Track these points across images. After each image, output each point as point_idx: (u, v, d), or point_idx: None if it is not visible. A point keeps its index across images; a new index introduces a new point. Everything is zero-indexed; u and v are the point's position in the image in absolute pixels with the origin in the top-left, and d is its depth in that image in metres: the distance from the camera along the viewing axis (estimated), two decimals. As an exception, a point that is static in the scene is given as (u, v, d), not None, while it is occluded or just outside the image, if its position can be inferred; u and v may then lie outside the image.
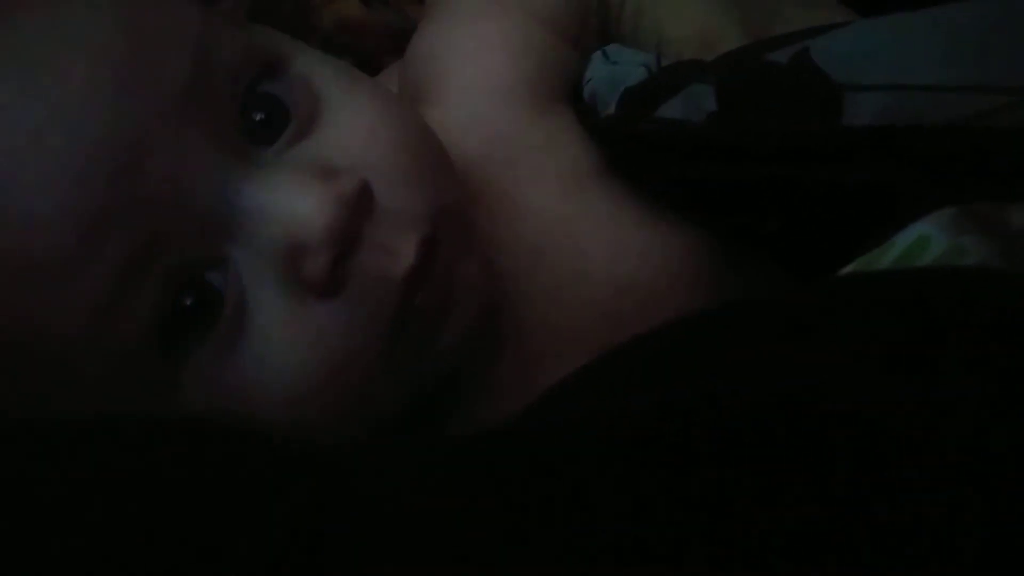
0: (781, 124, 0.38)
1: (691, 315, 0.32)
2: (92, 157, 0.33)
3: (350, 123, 0.37)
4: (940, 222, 0.35)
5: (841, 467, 0.23)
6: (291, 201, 0.34)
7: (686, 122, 0.40)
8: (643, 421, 0.26)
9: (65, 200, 0.32)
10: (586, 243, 0.43)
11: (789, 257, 0.42)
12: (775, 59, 0.39)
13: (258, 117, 0.36)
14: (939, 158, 0.37)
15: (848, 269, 0.37)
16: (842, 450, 0.24)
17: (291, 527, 0.25)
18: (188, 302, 0.34)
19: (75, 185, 0.32)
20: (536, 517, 0.24)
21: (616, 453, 0.25)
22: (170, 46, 0.35)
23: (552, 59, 0.46)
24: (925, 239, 0.35)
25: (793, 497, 0.23)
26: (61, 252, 0.32)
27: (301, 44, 0.40)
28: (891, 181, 0.37)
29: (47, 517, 0.25)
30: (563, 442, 0.26)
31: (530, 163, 0.44)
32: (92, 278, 0.33)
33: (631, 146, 0.43)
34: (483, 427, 0.29)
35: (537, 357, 0.42)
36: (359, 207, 0.35)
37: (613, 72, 0.45)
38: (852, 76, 0.37)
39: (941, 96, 0.36)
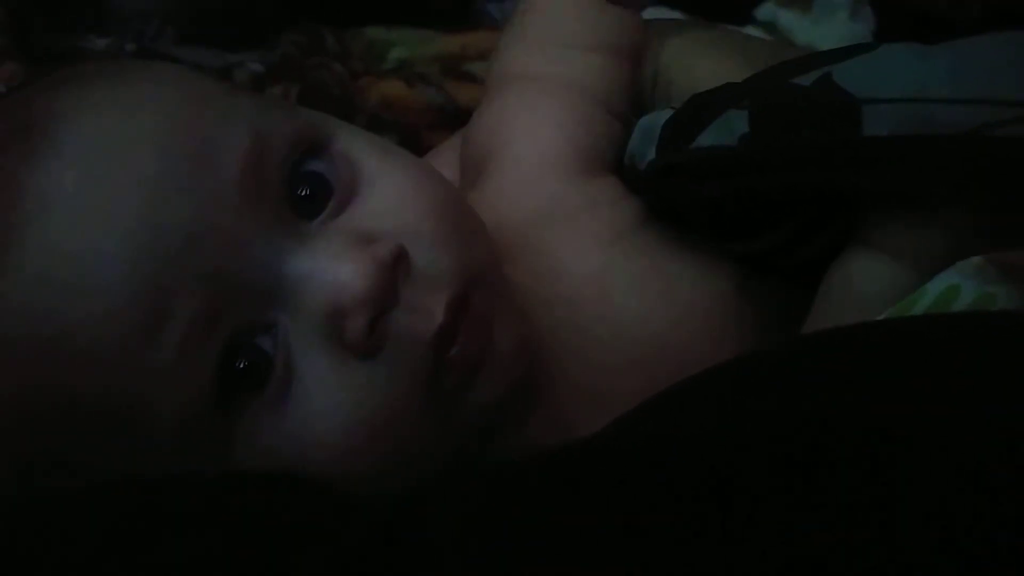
0: (805, 137, 0.40)
1: (754, 355, 0.34)
2: (161, 236, 0.35)
3: (387, 192, 0.40)
4: (968, 271, 0.36)
5: None
6: (332, 267, 0.37)
7: (721, 147, 0.42)
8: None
9: (137, 276, 0.35)
10: (618, 298, 0.44)
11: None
12: (800, 82, 0.41)
13: (303, 193, 0.39)
14: (955, 167, 0.38)
15: (884, 315, 0.38)
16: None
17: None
18: (241, 365, 0.37)
19: (147, 262, 0.35)
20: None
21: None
22: (229, 133, 0.37)
23: (602, 133, 0.49)
24: (955, 288, 0.36)
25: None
26: (133, 324, 0.35)
27: (343, 123, 0.43)
28: (910, 190, 0.39)
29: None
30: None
31: (569, 224, 0.46)
32: (160, 345, 0.35)
33: (670, 181, 0.44)
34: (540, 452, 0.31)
35: (570, 410, 0.43)
36: (395, 270, 0.37)
37: (643, 125, 0.47)
38: (870, 91, 0.39)
39: (953, 108, 0.38)
